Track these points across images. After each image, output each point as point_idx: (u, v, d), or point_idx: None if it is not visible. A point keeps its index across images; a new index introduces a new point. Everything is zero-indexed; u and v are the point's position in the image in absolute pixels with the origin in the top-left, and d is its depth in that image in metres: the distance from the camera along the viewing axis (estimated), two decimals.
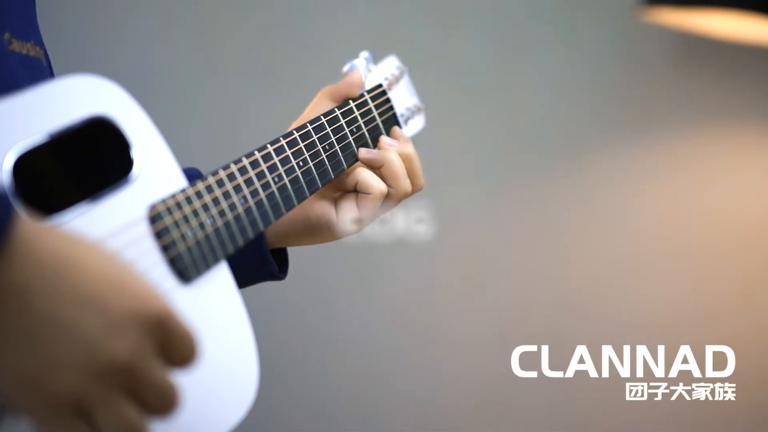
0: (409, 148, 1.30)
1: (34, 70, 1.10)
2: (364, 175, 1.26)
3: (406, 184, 1.28)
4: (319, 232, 1.28)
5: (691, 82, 2.57)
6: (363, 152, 1.27)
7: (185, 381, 0.92)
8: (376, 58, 1.35)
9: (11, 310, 0.81)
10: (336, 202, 1.28)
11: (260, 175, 1.11)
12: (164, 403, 0.86)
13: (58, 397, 0.82)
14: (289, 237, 1.29)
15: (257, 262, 1.27)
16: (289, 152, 1.17)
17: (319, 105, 1.30)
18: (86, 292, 0.82)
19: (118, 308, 0.83)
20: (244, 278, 1.28)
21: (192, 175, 1.16)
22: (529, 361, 2.59)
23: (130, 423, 0.84)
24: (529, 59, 2.56)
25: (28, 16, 1.13)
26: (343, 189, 1.28)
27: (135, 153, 0.99)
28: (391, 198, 1.28)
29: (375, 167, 1.27)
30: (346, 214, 1.27)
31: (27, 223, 0.82)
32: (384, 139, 1.29)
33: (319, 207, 1.28)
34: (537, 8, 2.56)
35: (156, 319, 0.85)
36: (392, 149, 1.28)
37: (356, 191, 1.27)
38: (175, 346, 0.86)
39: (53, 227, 0.85)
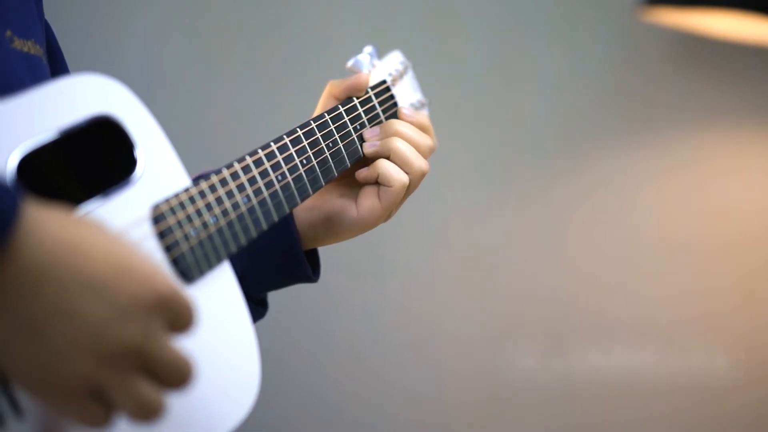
0: (406, 129, 1.27)
1: (36, 69, 1.10)
2: (385, 167, 1.24)
3: (419, 164, 1.25)
4: (342, 229, 1.27)
5: (691, 82, 2.57)
6: (367, 146, 1.25)
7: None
8: (380, 53, 1.34)
9: (21, 300, 0.82)
10: (357, 196, 1.26)
11: (263, 174, 1.11)
12: (179, 375, 0.87)
13: (71, 383, 0.83)
14: (309, 239, 1.28)
15: (289, 265, 1.26)
16: (292, 150, 1.16)
17: (325, 102, 1.28)
18: (92, 277, 0.83)
19: (124, 292, 0.84)
20: (276, 281, 1.28)
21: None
22: (529, 359, 2.59)
23: (146, 400, 0.85)
24: (529, 59, 2.56)
25: (29, 14, 1.13)
26: (363, 180, 1.25)
27: (139, 153, 0.99)
28: (411, 183, 1.25)
29: (383, 157, 1.25)
30: (366, 207, 1.25)
31: (32, 212, 0.83)
32: (366, 133, 1.27)
33: (337, 204, 1.26)
34: (536, 8, 2.56)
35: (162, 300, 0.86)
36: (396, 135, 1.26)
37: (377, 183, 1.25)
38: (179, 319, 0.88)
39: (58, 212, 0.86)
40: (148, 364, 0.86)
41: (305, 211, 1.27)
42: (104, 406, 0.85)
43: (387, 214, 1.26)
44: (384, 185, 1.24)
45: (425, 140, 1.28)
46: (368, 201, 1.25)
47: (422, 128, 1.30)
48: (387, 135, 1.26)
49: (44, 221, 0.83)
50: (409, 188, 1.26)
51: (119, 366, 0.84)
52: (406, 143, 1.25)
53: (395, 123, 1.27)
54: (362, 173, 1.25)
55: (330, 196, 1.27)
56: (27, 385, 0.84)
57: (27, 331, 0.82)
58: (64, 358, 0.82)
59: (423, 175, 1.26)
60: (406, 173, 1.25)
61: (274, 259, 1.26)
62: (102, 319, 0.83)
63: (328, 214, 1.26)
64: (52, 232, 0.83)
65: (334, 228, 1.27)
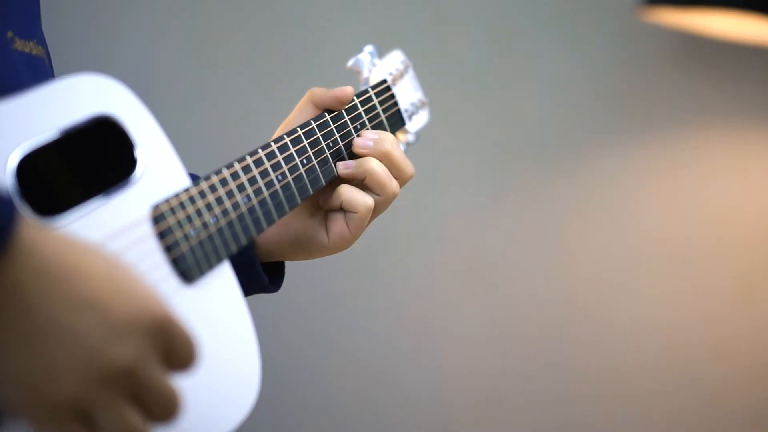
0: (385, 146, 1.22)
1: (37, 70, 1.10)
2: (348, 193, 1.20)
3: (392, 186, 1.22)
4: (309, 250, 1.24)
5: (691, 82, 2.57)
6: (341, 167, 1.21)
7: (187, 381, 0.92)
8: (380, 52, 1.34)
9: (13, 315, 0.80)
10: (325, 219, 1.23)
11: (263, 174, 1.11)
12: (166, 408, 0.85)
13: (59, 403, 0.81)
14: (276, 255, 1.25)
15: (246, 275, 1.22)
16: (292, 150, 1.16)
17: (303, 110, 1.24)
18: (88, 296, 0.82)
19: (119, 313, 0.83)
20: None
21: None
22: (529, 359, 2.59)
23: (132, 428, 0.83)
24: (529, 59, 2.56)
25: (31, 15, 1.13)
26: (328, 207, 1.22)
27: (139, 153, 0.99)
28: (381, 204, 1.22)
29: (358, 180, 1.21)
30: (336, 232, 1.22)
31: (30, 226, 0.82)
32: (359, 141, 1.23)
33: (308, 226, 1.23)
34: (536, 8, 2.56)
35: (157, 324, 0.84)
36: (370, 156, 1.22)
37: (342, 209, 1.22)
38: (175, 350, 0.86)
39: (56, 231, 0.85)
40: (137, 390, 0.84)
41: (274, 226, 1.23)
42: (90, 430, 0.83)
43: (357, 236, 1.23)
44: (349, 211, 1.21)
45: (408, 168, 1.25)
46: (337, 227, 1.22)
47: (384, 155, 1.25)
48: (378, 149, 1.23)
49: (41, 239, 0.82)
50: (377, 210, 1.23)
51: (109, 388, 0.82)
52: (380, 165, 1.22)
53: (383, 141, 1.23)
54: (326, 202, 1.22)
55: (301, 216, 1.23)
56: (14, 402, 0.82)
57: (18, 347, 0.80)
58: (54, 375, 0.81)
59: (394, 196, 1.23)
60: (378, 195, 1.22)
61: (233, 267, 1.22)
62: (95, 338, 0.81)
63: (297, 234, 1.23)
64: (49, 249, 0.82)
65: (303, 249, 1.24)
